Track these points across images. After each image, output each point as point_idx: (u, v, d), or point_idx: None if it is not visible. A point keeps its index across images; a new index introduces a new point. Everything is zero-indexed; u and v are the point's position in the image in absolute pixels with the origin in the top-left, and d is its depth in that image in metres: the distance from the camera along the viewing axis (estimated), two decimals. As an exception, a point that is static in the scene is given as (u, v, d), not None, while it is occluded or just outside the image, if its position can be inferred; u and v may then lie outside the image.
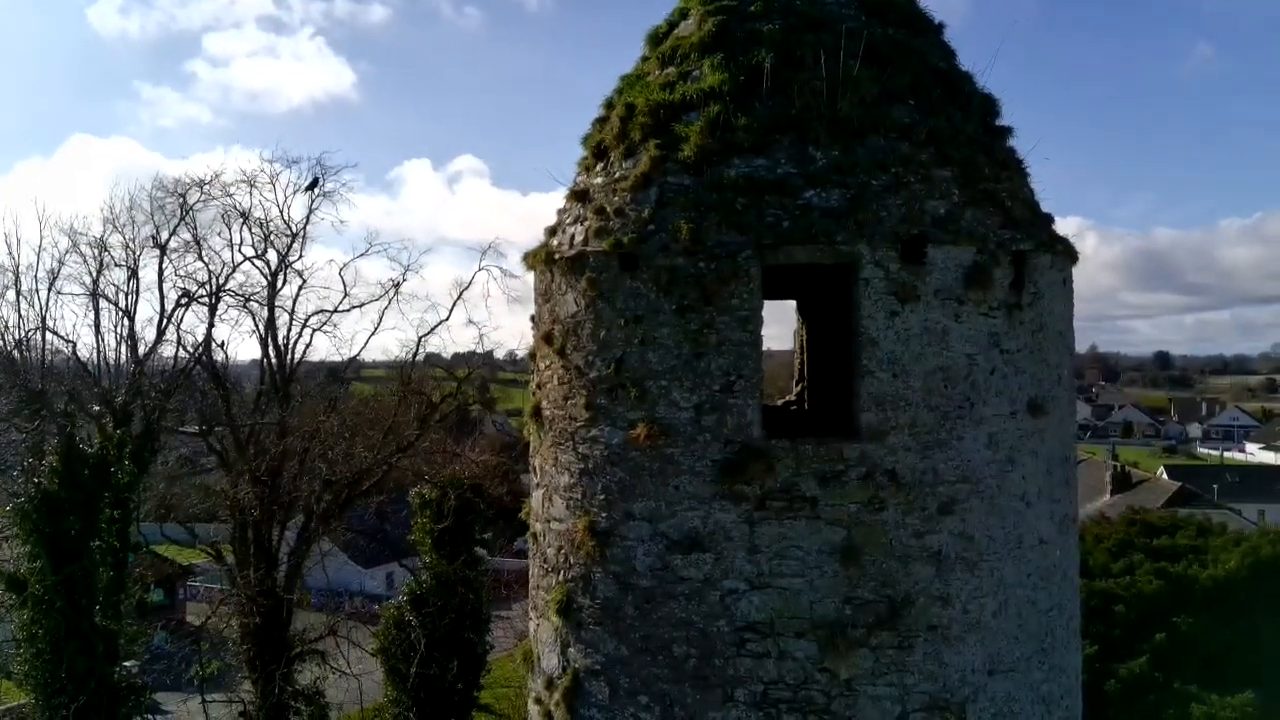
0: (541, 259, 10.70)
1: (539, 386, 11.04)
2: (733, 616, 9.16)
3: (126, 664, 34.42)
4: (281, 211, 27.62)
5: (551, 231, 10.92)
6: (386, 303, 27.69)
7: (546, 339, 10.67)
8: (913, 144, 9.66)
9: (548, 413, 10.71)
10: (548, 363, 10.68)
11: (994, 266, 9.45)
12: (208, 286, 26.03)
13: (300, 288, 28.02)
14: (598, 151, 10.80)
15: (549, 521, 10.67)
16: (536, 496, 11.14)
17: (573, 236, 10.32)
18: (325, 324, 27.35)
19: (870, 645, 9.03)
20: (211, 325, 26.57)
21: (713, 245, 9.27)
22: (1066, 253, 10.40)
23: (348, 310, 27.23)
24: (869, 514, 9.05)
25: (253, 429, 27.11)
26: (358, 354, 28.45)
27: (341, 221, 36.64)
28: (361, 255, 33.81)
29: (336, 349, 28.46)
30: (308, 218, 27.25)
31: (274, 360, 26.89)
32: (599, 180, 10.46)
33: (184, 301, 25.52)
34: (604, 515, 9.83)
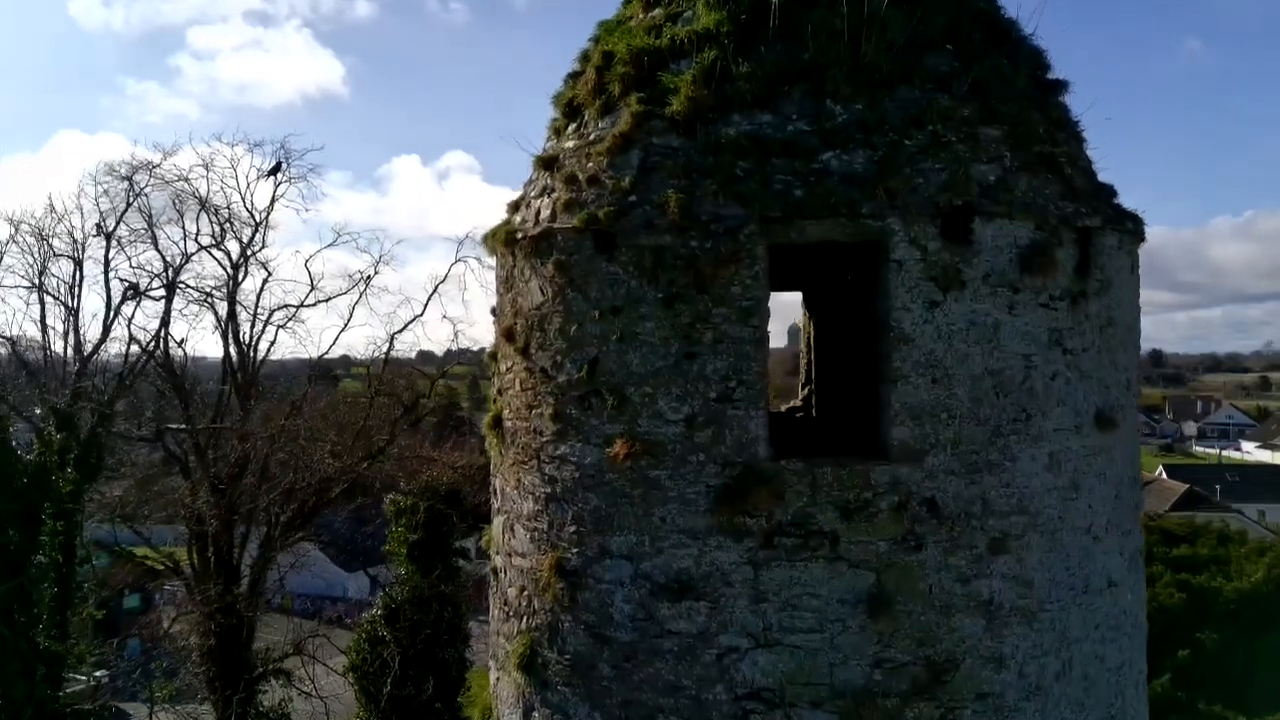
0: (501, 239, 8.88)
1: (499, 393, 9.23)
2: (733, 681, 7.37)
3: (97, 674, 32.51)
4: (243, 198, 25.71)
5: (514, 207, 9.10)
6: (357, 297, 25.77)
7: (508, 336, 8.86)
8: (953, 97, 7.86)
9: (509, 424, 8.90)
10: (509, 364, 8.87)
11: (1055, 246, 7.66)
12: (162, 278, 24.13)
13: (265, 281, 26.09)
14: (569, 110, 8.98)
15: (510, 556, 8.86)
16: (496, 525, 9.32)
17: (538, 212, 8.50)
18: (290, 320, 25.43)
19: None
20: (166, 321, 24.65)
21: (708, 220, 7.47)
22: (1135, 232, 8.61)
23: (313, 305, 25.32)
24: (903, 554, 7.26)
25: (214, 432, 25.19)
26: (326, 351, 26.57)
27: (307, 209, 34.79)
28: (329, 246, 31.71)
29: (304, 347, 26.62)
30: (271, 205, 25.33)
31: (235, 358, 24.98)
32: (570, 144, 8.64)
33: (130, 295, 23.62)
34: (574, 551, 8.02)
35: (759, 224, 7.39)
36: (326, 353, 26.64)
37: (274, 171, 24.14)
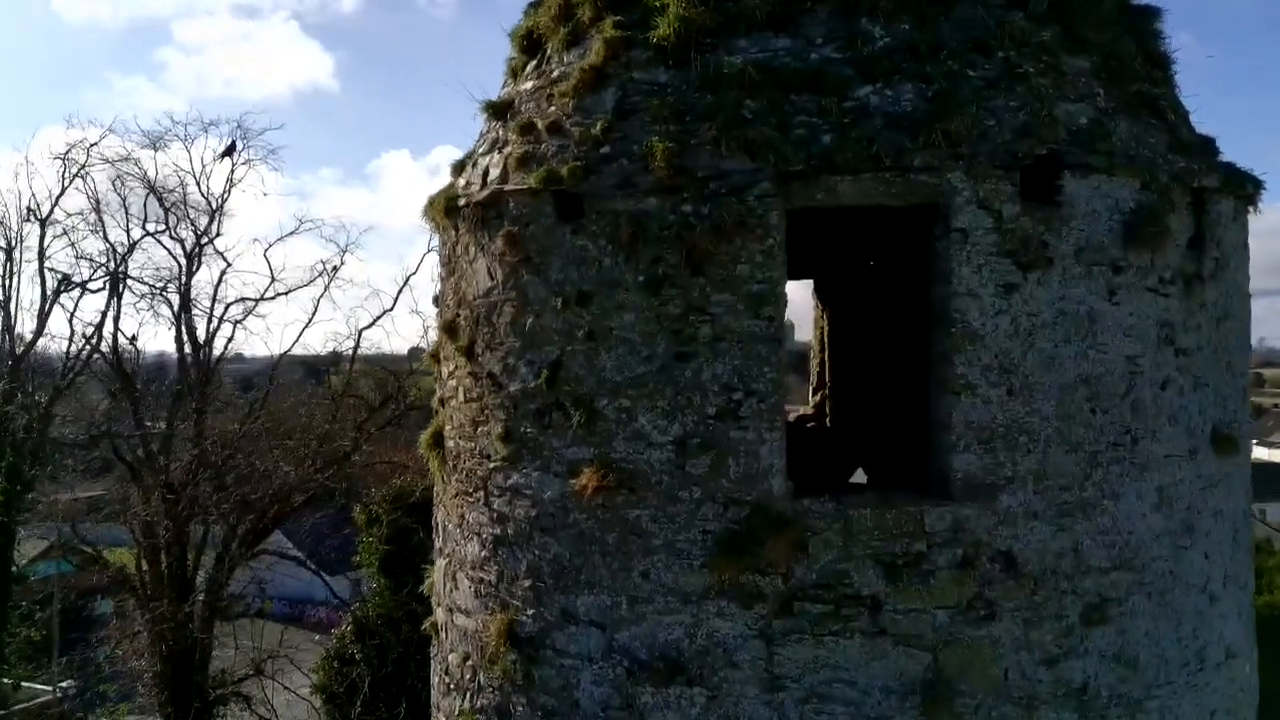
0: (440, 209, 6.96)
1: (441, 403, 7.32)
2: (739, 797, 5.48)
3: (63, 685, 30.54)
4: (198, 182, 23.67)
5: (459, 168, 7.17)
6: (322, 289, 23.72)
7: (449, 331, 6.96)
8: (1029, 16, 5.97)
9: (451, 444, 7.00)
10: (452, 367, 6.96)
11: (1167, 212, 5.78)
12: (107, 268, 22.11)
13: (223, 272, 24.02)
14: (529, 44, 7.06)
15: (452, 612, 6.95)
16: (438, 569, 7.42)
17: (485, 171, 6.58)
18: (249, 314, 23.40)
19: (969, 845, 5.37)
20: (117, 317, 22.60)
21: (706, 177, 5.58)
22: (1251, 198, 6.72)
23: (272, 298, 23.30)
24: (969, 627, 5.37)
25: (166, 437, 23.18)
26: (289, 349, 24.56)
27: (264, 194, 32.63)
28: (291, 234, 29.55)
29: (265, 343, 24.65)
30: (228, 189, 23.28)
31: (189, 355, 22.96)
32: (529, 85, 6.72)
33: (65, 287, 21.62)
34: (530, 613, 6.11)
35: (774, 182, 5.49)
36: (289, 350, 24.62)
37: (229, 152, 22.10)
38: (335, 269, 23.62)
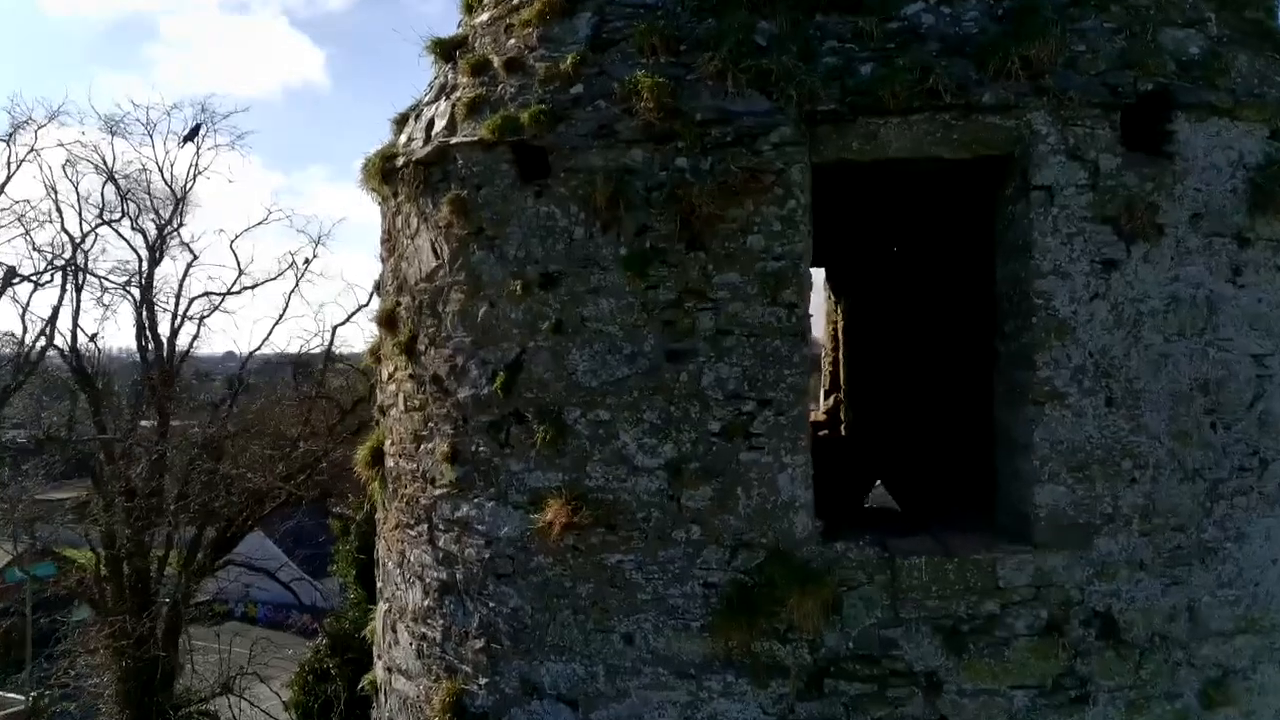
0: (376, 172, 5.62)
1: (382, 412, 6.00)
2: None
3: (32, 694, 29.06)
4: (161, 170, 22.21)
5: (401, 121, 5.81)
6: (294, 283, 22.27)
7: (388, 323, 5.64)
8: (1120, -80, 4.66)
9: (391, 463, 5.67)
10: (392, 369, 5.63)
11: (1303, 167, 4.48)
12: (60, 260, 20.70)
13: (189, 265, 22.59)
14: (486, -31, 5.72)
15: (391, 672, 5.62)
16: (379, 615, 6.09)
17: (430, 124, 5.25)
18: (215, 309, 22.01)
19: None
20: (75, 311, 21.18)
21: (707, 120, 4.27)
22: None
23: (238, 293, 21.91)
24: (1057, 713, 4.07)
25: (129, 441, 21.77)
26: (258, 347, 23.15)
27: (230, 181, 31.18)
28: (259, 224, 27.91)
29: (235, 340, 23.31)
30: (193, 176, 21.83)
31: (150, 353, 21.56)
32: (484, 17, 5.38)
33: (13, 280, 20.19)
34: (482, 683, 4.79)
35: (797, 126, 4.19)
36: (259, 348, 23.20)
37: (192, 135, 20.71)
38: (307, 261, 22.20)
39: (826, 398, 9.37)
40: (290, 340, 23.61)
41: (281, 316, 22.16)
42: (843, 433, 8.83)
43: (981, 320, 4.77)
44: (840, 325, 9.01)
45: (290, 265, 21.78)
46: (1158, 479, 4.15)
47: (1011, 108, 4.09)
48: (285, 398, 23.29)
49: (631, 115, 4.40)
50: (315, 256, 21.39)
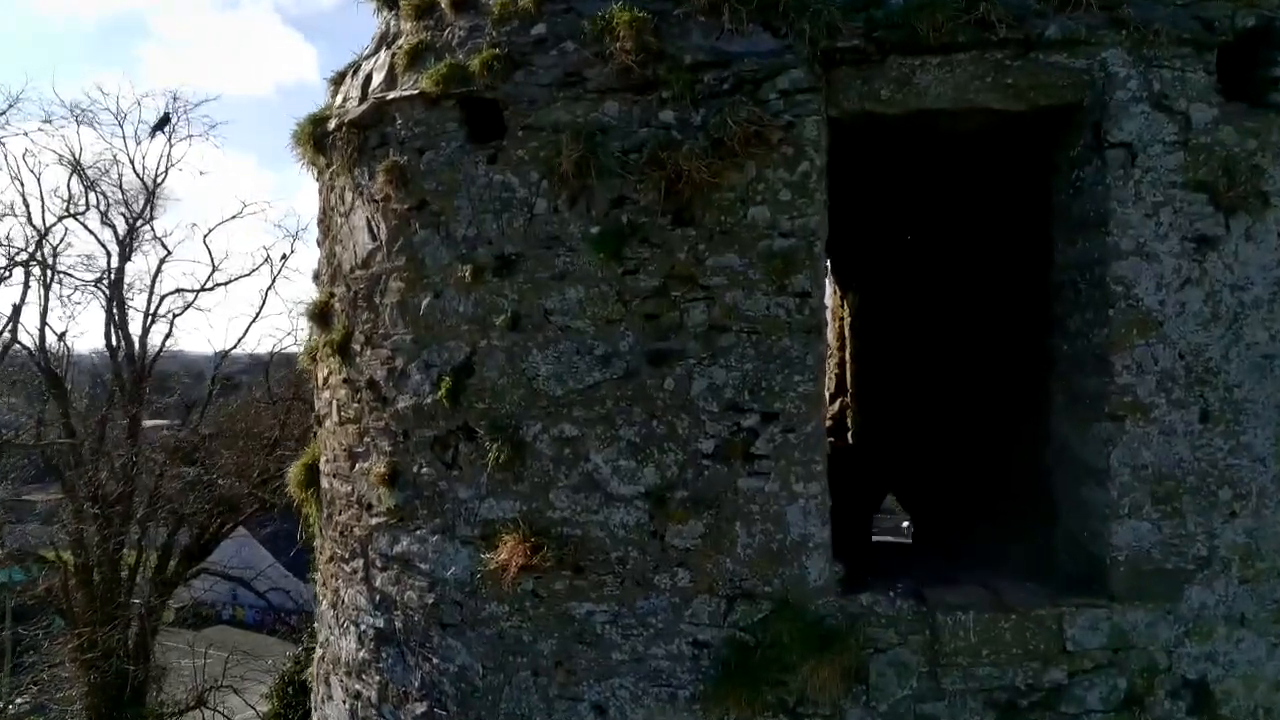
0: (307, 138, 4.75)
1: (318, 422, 5.13)
2: None
3: (16, 700, 28.17)
4: (132, 162, 21.30)
5: (338, 81, 4.94)
6: (271, 279, 21.40)
7: (321, 319, 4.77)
8: None
9: (325, 484, 4.80)
10: (326, 373, 4.77)
11: None
12: (25, 253, 19.76)
13: (162, 261, 21.68)
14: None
15: (324, 731, 4.76)
16: (315, 661, 5.23)
17: (368, 79, 4.38)
18: (188, 306, 21.12)
19: None
20: (43, 308, 20.27)
21: (698, 65, 3.42)
22: None
23: (212, 289, 21.02)
24: (1140, 810, 3.23)
25: (99, 444, 20.88)
26: (234, 346, 22.29)
27: (201, 173, 30.26)
28: (234, 218, 26.89)
29: (209, 340, 22.54)
30: (165, 168, 20.92)
31: (121, 351, 20.68)
32: (434, -46, 4.51)
33: (-29, 273, 19.29)
34: (425, 756, 3.92)
35: (810, 67, 3.33)
36: (234, 347, 22.31)
37: (161, 125, 19.80)
38: (284, 257, 21.36)
39: (831, 402, 8.52)
40: (260, 340, 22.75)
41: (258, 314, 21.36)
42: (849, 440, 7.99)
43: (1018, 316, 3.92)
44: (847, 322, 8.16)
45: (265, 260, 20.88)
46: (1262, 512, 3.31)
47: (1081, 43, 3.24)
48: (259, 399, 22.38)
49: (605, 60, 3.55)
50: (293, 252, 20.56)
